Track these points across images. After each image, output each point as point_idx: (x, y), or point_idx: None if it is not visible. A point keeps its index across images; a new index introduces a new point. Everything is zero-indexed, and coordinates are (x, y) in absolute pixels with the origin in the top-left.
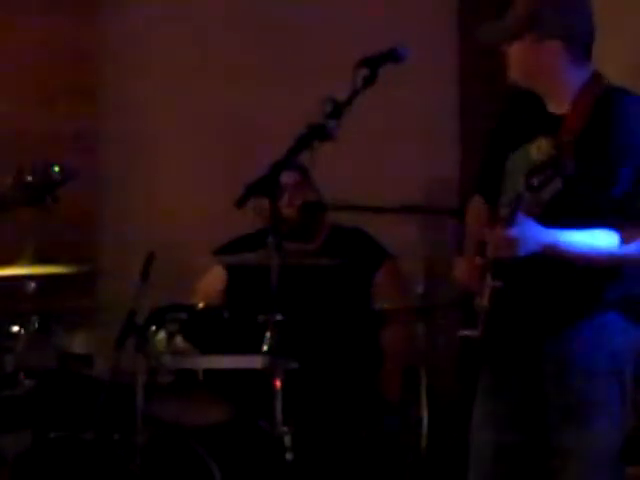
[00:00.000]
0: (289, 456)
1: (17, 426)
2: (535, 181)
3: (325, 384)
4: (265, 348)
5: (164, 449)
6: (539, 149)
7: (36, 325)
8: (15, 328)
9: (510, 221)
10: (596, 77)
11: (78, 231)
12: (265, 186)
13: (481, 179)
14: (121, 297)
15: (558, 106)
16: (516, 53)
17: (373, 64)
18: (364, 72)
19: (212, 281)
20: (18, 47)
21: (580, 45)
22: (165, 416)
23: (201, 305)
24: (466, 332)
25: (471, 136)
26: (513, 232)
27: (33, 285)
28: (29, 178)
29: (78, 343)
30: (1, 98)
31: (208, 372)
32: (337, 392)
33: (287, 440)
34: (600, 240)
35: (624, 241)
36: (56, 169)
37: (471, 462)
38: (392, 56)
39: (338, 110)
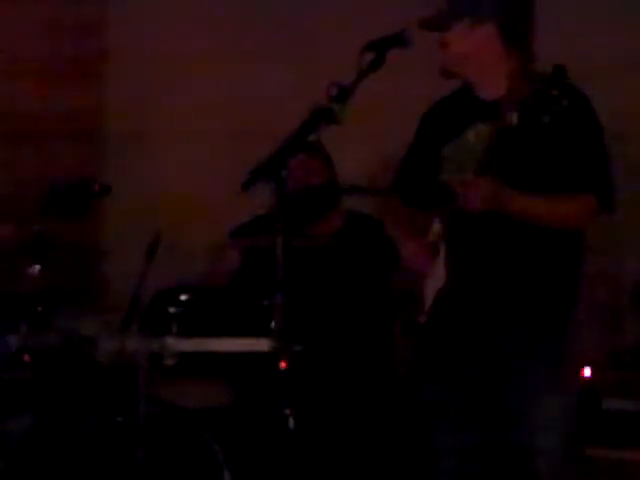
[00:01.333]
0: (292, 429)
1: (20, 408)
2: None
3: (336, 367)
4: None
5: (167, 432)
6: (478, 135)
7: (40, 307)
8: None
9: (482, 172)
10: (529, 63)
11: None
12: (271, 169)
13: (401, 179)
14: (125, 279)
15: (491, 92)
16: (450, 39)
17: (379, 48)
18: (370, 56)
19: (226, 262)
20: (18, 22)
21: (513, 29)
22: (169, 398)
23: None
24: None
25: None
26: (482, 181)
27: (37, 267)
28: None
29: (82, 325)
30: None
31: (212, 355)
32: (348, 375)
33: (291, 422)
34: (556, 201)
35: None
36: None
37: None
38: (398, 40)
39: (344, 94)
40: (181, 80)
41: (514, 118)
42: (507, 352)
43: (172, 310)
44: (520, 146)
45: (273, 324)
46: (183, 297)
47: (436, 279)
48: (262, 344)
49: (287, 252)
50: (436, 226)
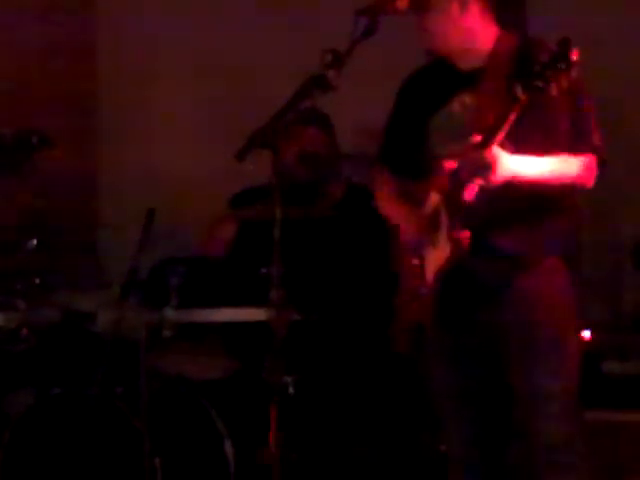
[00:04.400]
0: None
1: (20, 383)
2: (540, 81)
3: (336, 337)
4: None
5: (168, 403)
6: (462, 104)
7: (38, 282)
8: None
9: (486, 144)
10: (505, 30)
11: (78, 189)
12: (266, 137)
13: (388, 151)
14: (122, 254)
15: (470, 63)
16: (435, 19)
17: (372, 13)
18: (363, 21)
19: (223, 232)
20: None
21: (492, 2)
22: (169, 370)
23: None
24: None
25: None
26: (492, 153)
27: (34, 242)
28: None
29: (80, 299)
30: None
31: (211, 325)
32: (348, 345)
33: (291, 390)
34: (562, 166)
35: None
36: (34, 136)
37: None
38: (390, 7)
39: (338, 60)
40: (174, 53)
41: (519, 91)
42: (508, 321)
43: (170, 282)
44: (523, 116)
45: (271, 293)
46: (181, 268)
47: (438, 251)
48: (260, 314)
49: (285, 223)
50: (434, 197)
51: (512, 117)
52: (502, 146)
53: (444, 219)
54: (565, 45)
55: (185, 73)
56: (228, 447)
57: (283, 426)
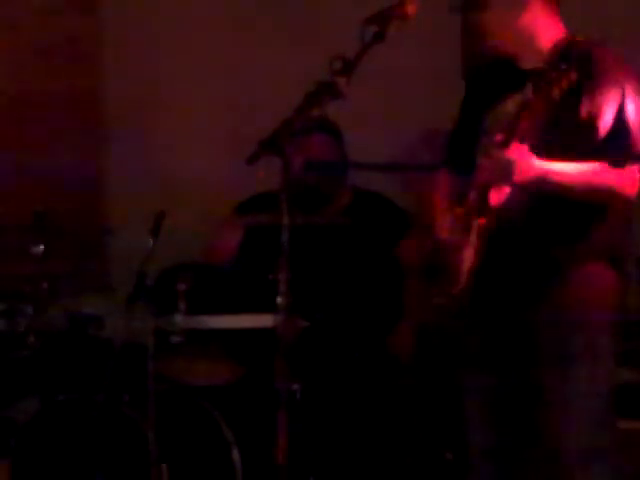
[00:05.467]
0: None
1: (27, 389)
2: (542, 83)
3: (341, 342)
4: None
5: (175, 410)
6: (516, 104)
7: (45, 287)
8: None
9: (506, 144)
10: (565, 29)
11: (85, 192)
12: (276, 144)
13: (450, 148)
14: (128, 259)
15: (531, 61)
16: (495, 19)
17: (381, 21)
18: (372, 29)
19: (228, 238)
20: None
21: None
22: (176, 376)
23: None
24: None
25: None
26: (511, 154)
27: (42, 247)
28: None
29: (87, 304)
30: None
31: (219, 331)
32: (357, 351)
33: (297, 397)
34: (587, 172)
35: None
36: None
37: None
38: (399, 12)
39: (347, 67)
40: (179, 56)
41: (529, 91)
42: (542, 321)
43: (179, 287)
44: (554, 120)
45: (279, 300)
46: (189, 274)
47: (471, 252)
48: (268, 320)
49: (293, 229)
50: (472, 197)
51: (531, 117)
52: (527, 148)
53: (475, 223)
54: (569, 45)
55: (191, 75)
56: (235, 454)
57: (290, 432)
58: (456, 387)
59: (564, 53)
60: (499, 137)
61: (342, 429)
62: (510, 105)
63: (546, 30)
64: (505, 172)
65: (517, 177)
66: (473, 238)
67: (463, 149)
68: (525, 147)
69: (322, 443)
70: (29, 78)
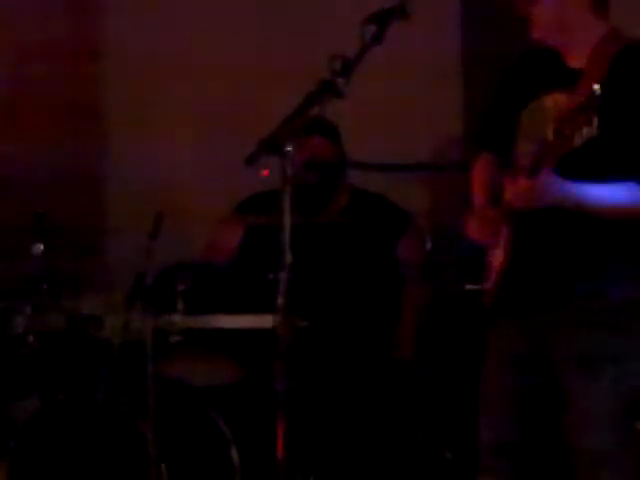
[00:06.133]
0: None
1: (26, 388)
2: (567, 128)
3: (340, 343)
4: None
5: (174, 409)
6: (555, 102)
7: (44, 287)
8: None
9: (533, 171)
10: (614, 30)
11: (84, 192)
12: (275, 143)
13: (488, 134)
14: (127, 259)
15: (577, 60)
16: (543, 12)
17: (380, 20)
18: (371, 29)
19: (228, 238)
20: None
21: None
22: (175, 376)
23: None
24: (474, 286)
25: (476, 87)
26: (536, 182)
27: (41, 247)
28: None
29: (86, 304)
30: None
31: (218, 331)
32: (351, 351)
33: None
34: (618, 196)
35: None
36: None
37: (485, 407)
38: (399, 12)
39: (347, 67)
40: (179, 57)
41: (550, 133)
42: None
43: (177, 287)
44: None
45: (278, 300)
46: (188, 274)
47: (500, 253)
48: (267, 320)
49: (292, 229)
50: (507, 196)
51: (586, 133)
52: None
53: (508, 222)
54: (592, 94)
55: (190, 76)
56: (234, 453)
57: (289, 432)
58: (458, 385)
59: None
60: (527, 162)
61: (342, 428)
62: (549, 102)
63: (592, 27)
64: (528, 199)
65: (541, 203)
66: (502, 240)
67: (503, 136)
68: (552, 174)
69: (322, 443)
70: (29, 78)
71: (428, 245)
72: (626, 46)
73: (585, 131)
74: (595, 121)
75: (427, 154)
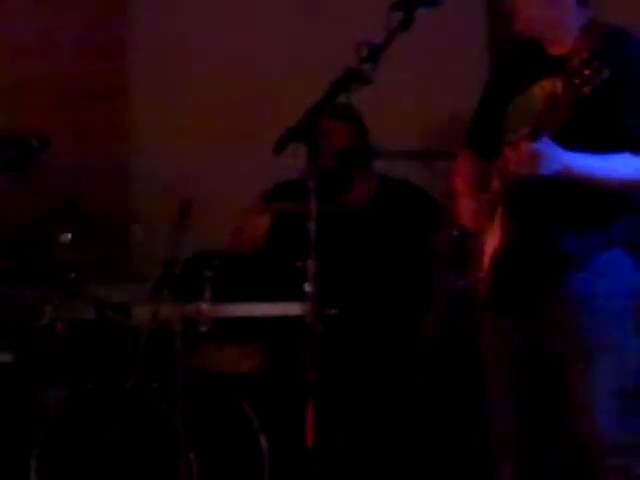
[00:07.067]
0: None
1: (55, 378)
2: (577, 78)
3: (369, 330)
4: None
5: (203, 398)
6: (543, 90)
7: (72, 276)
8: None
9: (535, 136)
10: (595, 18)
11: (113, 180)
12: (302, 131)
13: (472, 131)
14: (157, 245)
15: (558, 47)
16: (528, 4)
17: (408, 7)
18: (399, 15)
19: (256, 226)
20: None
21: None
22: (203, 365)
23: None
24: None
25: None
26: (538, 147)
27: (69, 236)
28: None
29: (114, 293)
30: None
31: (246, 320)
32: (380, 338)
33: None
34: (616, 164)
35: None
36: (34, 139)
37: (491, 404)
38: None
39: (374, 54)
40: (208, 49)
41: (558, 87)
42: (558, 317)
43: (205, 275)
44: (582, 112)
45: (306, 288)
46: (216, 262)
47: (495, 239)
48: (295, 308)
49: (319, 216)
50: (495, 184)
51: (560, 111)
52: (555, 140)
53: (500, 206)
54: (601, 43)
55: (217, 70)
56: (263, 441)
57: (318, 420)
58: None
59: (597, 45)
60: (527, 129)
61: (370, 415)
62: (537, 91)
63: (575, 16)
64: (532, 165)
65: (544, 170)
66: (497, 225)
67: (487, 132)
68: (552, 140)
69: (350, 429)
70: (60, 68)
71: (455, 232)
72: (608, 31)
73: (598, 77)
74: (606, 70)
75: (452, 142)
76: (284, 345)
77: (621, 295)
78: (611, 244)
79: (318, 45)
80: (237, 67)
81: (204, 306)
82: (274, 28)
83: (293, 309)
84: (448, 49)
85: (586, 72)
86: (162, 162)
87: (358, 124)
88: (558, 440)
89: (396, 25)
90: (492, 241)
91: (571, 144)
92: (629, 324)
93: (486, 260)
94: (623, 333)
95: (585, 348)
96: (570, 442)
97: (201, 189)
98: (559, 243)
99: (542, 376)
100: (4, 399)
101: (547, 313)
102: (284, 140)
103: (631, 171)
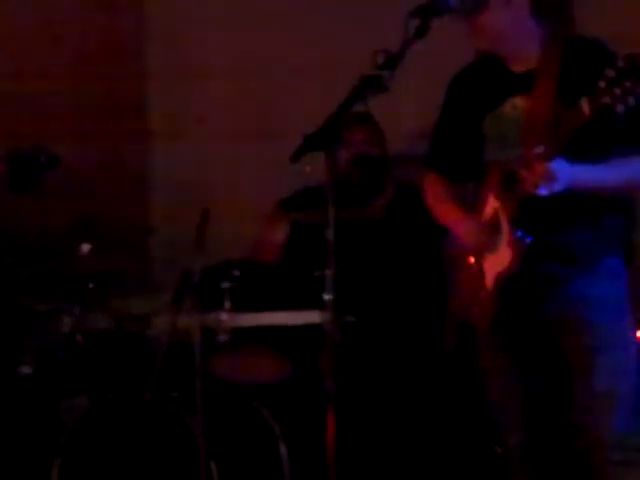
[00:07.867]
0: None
1: (75, 388)
2: (606, 96)
3: (388, 338)
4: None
5: (223, 407)
6: (514, 107)
7: (91, 286)
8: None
9: (549, 156)
10: (552, 30)
11: (131, 191)
12: (320, 139)
13: (436, 154)
14: (175, 256)
15: (520, 64)
16: (487, 20)
17: (425, 14)
18: (416, 22)
19: (275, 235)
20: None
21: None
22: (223, 374)
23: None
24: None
25: None
26: (554, 166)
27: (88, 247)
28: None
29: (134, 304)
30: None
31: (265, 329)
32: (399, 346)
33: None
34: (621, 169)
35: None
36: (42, 155)
37: (500, 410)
38: (443, 6)
39: (391, 61)
40: (228, 52)
41: (585, 107)
42: (566, 320)
43: (224, 285)
44: (591, 130)
45: (325, 296)
46: (235, 272)
47: (498, 256)
48: (314, 316)
49: (338, 225)
50: (492, 203)
51: (570, 131)
52: (563, 155)
53: (504, 224)
54: (632, 61)
55: (236, 72)
56: (282, 449)
57: (338, 428)
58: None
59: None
60: (540, 149)
61: (390, 423)
62: (508, 109)
63: (534, 31)
64: (549, 185)
65: (560, 188)
66: (502, 242)
67: (455, 154)
68: (564, 158)
69: (370, 437)
70: (76, 80)
71: None
72: (568, 41)
73: (630, 98)
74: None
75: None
76: (303, 354)
77: (622, 296)
78: (613, 246)
79: (340, 46)
80: (255, 73)
81: (224, 316)
82: (297, 28)
83: (312, 318)
84: (448, 49)
85: (617, 91)
86: (181, 172)
87: (377, 131)
88: (561, 439)
89: (413, 33)
90: (493, 260)
91: (577, 157)
92: (629, 324)
93: (489, 279)
94: (623, 333)
95: (586, 348)
96: (572, 439)
97: (220, 198)
98: (564, 246)
99: (544, 375)
100: (25, 411)
101: (548, 313)
102: (302, 149)
103: (632, 171)
